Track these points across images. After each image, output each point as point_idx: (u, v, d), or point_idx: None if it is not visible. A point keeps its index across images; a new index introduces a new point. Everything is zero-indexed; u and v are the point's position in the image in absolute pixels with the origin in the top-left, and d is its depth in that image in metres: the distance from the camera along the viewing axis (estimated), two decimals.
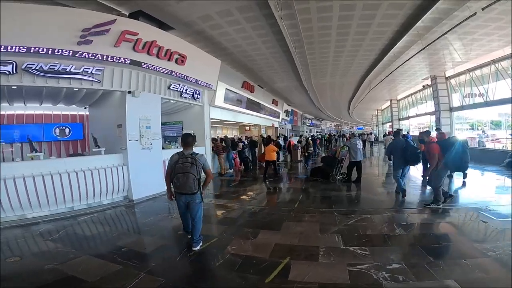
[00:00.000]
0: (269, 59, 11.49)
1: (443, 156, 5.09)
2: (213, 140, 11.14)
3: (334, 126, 52.18)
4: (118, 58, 6.18)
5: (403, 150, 5.81)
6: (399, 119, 23.62)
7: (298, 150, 14.15)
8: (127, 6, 6.82)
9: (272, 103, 18.37)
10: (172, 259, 3.45)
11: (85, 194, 5.96)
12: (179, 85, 8.41)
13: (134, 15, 6.94)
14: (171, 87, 8.12)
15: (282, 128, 24.03)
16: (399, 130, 7.22)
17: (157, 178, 7.35)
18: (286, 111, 22.79)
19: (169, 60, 7.41)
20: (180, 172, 3.42)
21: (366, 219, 4.61)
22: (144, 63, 6.76)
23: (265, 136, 16.51)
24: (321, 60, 11.85)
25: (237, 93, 12.16)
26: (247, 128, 18.25)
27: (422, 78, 16.23)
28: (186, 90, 8.71)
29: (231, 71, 11.82)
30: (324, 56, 11.27)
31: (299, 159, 14.06)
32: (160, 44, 6.98)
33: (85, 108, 8.83)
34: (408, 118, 22.37)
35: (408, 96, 21.34)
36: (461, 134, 15.10)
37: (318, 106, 25.22)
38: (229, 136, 13.75)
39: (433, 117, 17.10)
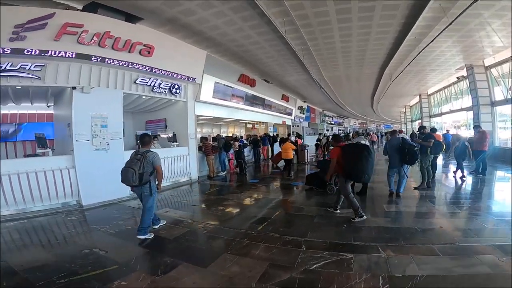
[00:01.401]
0: (266, 48, 10.00)
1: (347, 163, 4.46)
2: (203, 139, 10.00)
3: (359, 124, 48.70)
4: (58, 52, 5.45)
5: (399, 149, 5.61)
6: (430, 116, 20.65)
7: (306, 151, 12.53)
8: (80, 1, 6.12)
9: (282, 99, 16.82)
10: None
11: (30, 196, 5.35)
12: (149, 79, 7.39)
13: (91, 9, 6.11)
14: (137, 81, 7.11)
15: (297, 126, 22.37)
16: (395, 130, 6.88)
17: (116, 182, 6.39)
18: (301, 108, 21.04)
19: (129, 51, 6.49)
20: (124, 167, 3.88)
21: (342, 262, 3.07)
22: (95, 56, 5.95)
23: (272, 135, 15.09)
24: (327, 48, 10.09)
25: (231, 87, 10.84)
26: (249, 126, 16.88)
27: (456, 68, 13.59)
28: (159, 84, 7.68)
29: (223, 63, 10.53)
30: (328, 43, 9.53)
31: (306, 161, 12.45)
32: (115, 35, 6.14)
33: (48, 106, 8.12)
34: (440, 114, 19.44)
35: (440, 90, 18.45)
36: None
37: (337, 102, 23.04)
38: (228, 135, 12.57)
39: (471, 113, 14.41)
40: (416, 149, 5.62)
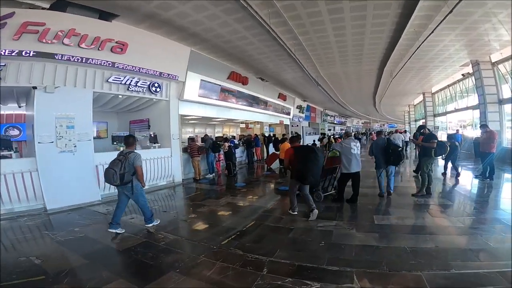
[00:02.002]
0: (255, 43, 9.38)
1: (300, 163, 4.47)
2: (190, 140, 9.48)
3: (362, 124, 47.60)
4: (17, 51, 5.15)
5: (384, 149, 5.62)
6: (435, 115, 19.78)
7: None
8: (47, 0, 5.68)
9: (279, 97, 16.18)
10: None
11: None
12: (124, 77, 6.91)
13: (59, 7, 5.67)
14: (110, 80, 6.65)
15: (297, 125, 21.72)
16: (381, 131, 6.90)
17: (85, 186, 5.96)
18: (300, 107, 20.36)
19: (99, 49, 6.09)
20: (107, 167, 4.03)
21: None
22: (58, 55, 5.57)
23: (268, 135, 14.48)
24: (320, 43, 9.43)
25: (219, 85, 10.26)
26: (242, 125, 16.28)
27: (460, 64, 12.78)
28: (135, 82, 7.21)
29: (211, 60, 9.96)
30: (321, 37, 8.87)
31: None
32: (82, 32, 5.77)
33: (20, 107, 7.68)
34: (445, 113, 18.57)
35: (445, 88, 17.58)
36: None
37: (337, 101, 22.27)
38: (222, 135, 11.99)
39: (477, 112, 13.60)
40: (400, 149, 5.68)
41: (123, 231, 4.25)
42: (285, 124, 18.89)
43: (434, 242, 3.44)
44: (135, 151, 4.26)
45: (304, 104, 21.44)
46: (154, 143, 8.29)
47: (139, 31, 7.03)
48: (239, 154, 12.63)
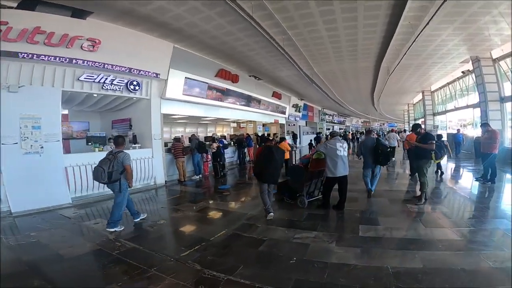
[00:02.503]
0: (243, 39, 8.89)
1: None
2: (175, 140, 9.03)
3: (362, 123, 46.90)
4: None
5: (373, 149, 5.52)
6: (434, 114, 19.19)
7: (293, 152, 11.38)
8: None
9: (273, 96, 15.68)
10: None
11: None
12: (98, 75, 6.51)
13: (27, 6, 5.32)
14: (81, 78, 6.26)
15: (293, 124, 21.23)
16: (370, 130, 6.77)
17: (52, 188, 5.57)
18: (296, 106, 19.83)
19: (67, 47, 5.79)
20: (96, 166, 4.20)
21: None
22: (22, 53, 5.23)
23: (261, 134, 13.98)
24: (312, 38, 8.92)
25: (207, 83, 9.79)
26: (233, 125, 15.79)
27: (460, 61, 12.23)
28: (111, 81, 6.82)
29: (197, 57, 9.46)
30: (312, 31, 8.37)
31: (294, 163, 11.31)
32: (48, 30, 5.43)
33: None
34: (445, 112, 17.99)
35: (444, 86, 17.01)
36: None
37: (335, 99, 21.71)
38: (214, 135, 11.51)
39: (478, 111, 13.05)
40: (389, 150, 5.56)
41: (145, 215, 4.77)
42: (280, 123, 18.40)
43: (422, 260, 2.94)
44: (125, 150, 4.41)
45: (301, 103, 20.92)
46: (134, 144, 7.85)
47: (115, 27, 6.64)
48: (230, 154, 12.18)
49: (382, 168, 6.13)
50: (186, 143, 9.89)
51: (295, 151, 11.47)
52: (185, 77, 8.73)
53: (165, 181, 8.33)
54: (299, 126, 22.33)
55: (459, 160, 11.70)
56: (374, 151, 5.52)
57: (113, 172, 4.10)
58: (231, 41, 9.09)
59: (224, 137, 13.27)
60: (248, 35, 8.47)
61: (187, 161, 9.38)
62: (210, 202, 6.24)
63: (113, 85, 6.85)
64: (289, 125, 21.20)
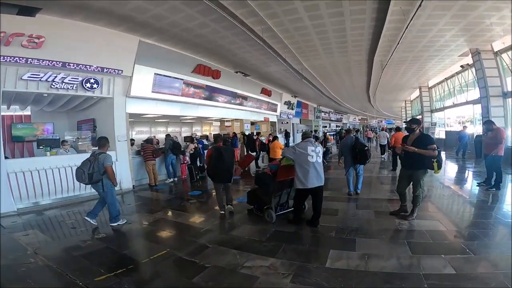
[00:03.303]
0: (220, 32, 8.03)
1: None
2: (145, 141, 8.23)
3: (359, 120, 45.87)
4: None
5: (352, 148, 5.54)
6: (432, 111, 18.26)
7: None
8: None
9: (262, 93, 14.80)
10: None
11: None
12: (45, 73, 5.84)
13: None
14: (25, 77, 5.63)
15: (286, 122, 20.36)
16: (350, 129, 6.98)
17: None
18: (288, 103, 18.93)
19: (5, 45, 5.25)
20: (77, 167, 4.27)
21: None
22: None
23: (248, 134, 13.12)
24: (295, 28, 8.04)
25: (181, 79, 8.93)
26: (216, 124, 14.92)
27: (459, 54, 11.32)
28: (61, 79, 6.13)
29: (170, 52, 8.60)
30: (294, 20, 7.48)
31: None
32: None
33: None
34: (443, 109, 17.09)
35: (443, 81, 16.10)
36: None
37: (330, 96, 20.78)
38: (203, 134, 10.69)
39: (478, 107, 12.18)
40: (366, 149, 5.47)
41: (124, 221, 4.61)
42: (272, 121, 17.54)
43: None
44: (107, 152, 4.46)
45: (294, 100, 20.00)
46: (95, 146, 7.03)
47: (65, 23, 6.01)
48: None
49: (375, 171, 5.49)
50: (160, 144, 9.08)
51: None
52: (155, 73, 7.92)
53: (133, 186, 7.56)
54: (293, 124, 21.43)
55: (459, 160, 10.81)
56: (353, 150, 5.50)
57: (93, 173, 4.15)
58: (208, 34, 8.25)
59: (206, 137, 12.43)
60: (225, 27, 7.62)
61: (161, 163, 8.59)
62: (171, 210, 5.47)
63: (64, 83, 6.20)
64: (282, 123, 20.33)
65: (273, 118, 17.52)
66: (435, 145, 3.85)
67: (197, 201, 6.17)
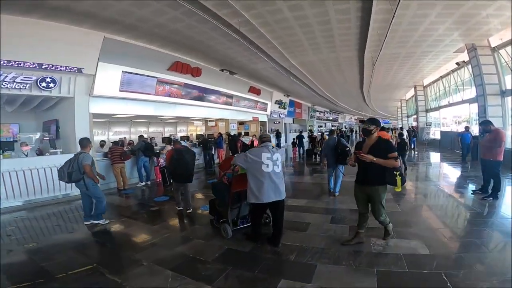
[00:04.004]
0: (197, 26, 7.42)
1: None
2: (114, 143, 7.61)
3: (356, 119, 45.10)
4: None
5: (334, 149, 5.63)
6: (427, 110, 17.61)
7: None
8: None
9: (250, 91, 14.14)
10: None
11: None
12: None
13: None
14: None
15: (278, 122, 19.71)
16: (333, 130, 6.95)
17: None
18: (279, 102, 18.27)
19: None
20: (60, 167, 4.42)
21: None
22: None
23: (233, 134, 12.46)
24: (276, 21, 7.39)
25: (155, 77, 8.30)
26: (198, 123, 14.28)
27: (454, 50, 10.66)
28: (12, 78, 5.78)
29: (143, 49, 8.05)
30: (273, 12, 6.84)
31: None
32: None
33: None
34: (438, 108, 16.43)
35: (438, 80, 15.44)
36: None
37: (323, 95, 20.09)
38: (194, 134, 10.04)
39: (474, 106, 11.54)
40: (347, 149, 5.52)
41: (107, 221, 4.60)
42: (262, 121, 16.89)
43: None
44: (87, 152, 4.47)
45: (286, 99, 19.35)
46: (55, 148, 6.44)
47: (20, 21, 5.69)
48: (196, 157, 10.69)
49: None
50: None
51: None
52: (123, 71, 7.32)
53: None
54: (285, 123, 20.78)
55: (453, 163, 10.14)
56: (335, 151, 5.58)
57: (73, 172, 4.24)
58: (184, 30, 7.69)
59: (187, 137, 11.78)
60: (198, 20, 7.00)
61: (133, 166, 7.97)
62: (125, 219, 4.88)
63: (15, 83, 5.78)
64: (274, 122, 19.70)
65: (264, 118, 16.88)
66: (396, 153, 3.01)
67: (159, 208, 5.55)
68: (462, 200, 5.22)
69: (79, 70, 6.58)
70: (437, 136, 16.45)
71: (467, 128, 10.51)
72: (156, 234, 4.10)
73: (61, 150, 6.57)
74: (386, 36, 7.73)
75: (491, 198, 4.89)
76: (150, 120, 12.29)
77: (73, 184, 4.54)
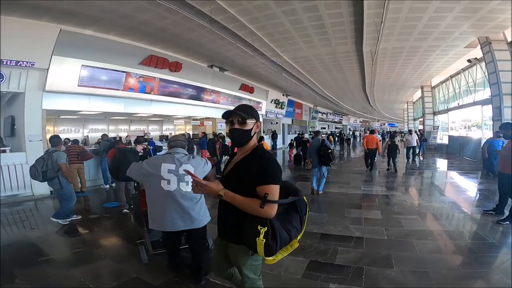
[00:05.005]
0: (169, 17, 6.65)
1: None
2: (73, 142, 6.83)
3: (360, 122, 43.48)
4: None
5: (318, 150, 5.79)
6: (434, 113, 16.30)
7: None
8: None
9: (241, 89, 13.21)
10: None
11: None
12: None
13: None
14: None
15: (276, 123, 18.72)
16: (318, 131, 7.01)
17: None
18: (276, 101, 17.27)
19: None
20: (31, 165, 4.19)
21: None
22: None
23: (218, 133, 11.54)
24: (256, 7, 6.47)
25: (124, 72, 7.51)
26: (178, 122, 13.39)
27: (465, 45, 9.48)
28: None
29: (112, 43, 7.40)
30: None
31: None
32: None
33: None
34: (447, 111, 15.11)
35: (447, 80, 14.17)
36: None
37: (323, 95, 18.94)
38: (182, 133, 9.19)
39: (488, 109, 10.32)
40: (329, 151, 5.66)
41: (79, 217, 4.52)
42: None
43: None
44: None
45: (284, 99, 18.33)
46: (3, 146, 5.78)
47: None
48: None
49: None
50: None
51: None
52: (82, 65, 6.67)
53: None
54: (283, 124, 19.75)
55: (463, 172, 8.90)
56: (318, 152, 5.74)
57: (47, 171, 4.12)
58: (154, 21, 7.02)
59: (166, 137, 10.93)
60: (168, 10, 6.18)
61: (98, 167, 7.17)
62: (44, 227, 4.07)
63: None
64: (271, 123, 18.70)
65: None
66: (276, 188, 1.38)
67: (99, 217, 4.77)
68: (469, 224, 4.13)
69: (31, 64, 6.02)
70: (445, 140, 15.16)
71: (497, 133, 7.81)
72: (64, 247, 3.49)
73: (10, 148, 5.91)
74: (382, 23, 6.66)
75: (508, 222, 3.81)
76: (131, 118, 11.50)
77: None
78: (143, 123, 12.38)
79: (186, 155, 2.44)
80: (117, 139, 6.63)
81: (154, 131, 12.57)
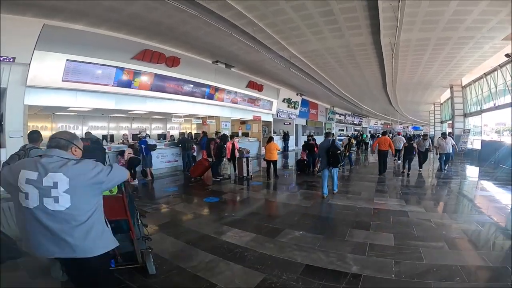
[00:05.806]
0: (159, 8, 6.09)
1: None
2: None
3: (382, 124, 41.08)
4: None
5: (327, 151, 5.64)
6: (465, 115, 14.61)
7: (247, 160, 8.15)
8: None
9: (248, 86, 12.50)
10: None
11: None
12: None
13: None
14: None
15: (289, 123, 17.87)
16: (329, 132, 6.56)
17: None
18: (288, 100, 16.38)
19: None
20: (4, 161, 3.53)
21: None
22: None
23: (222, 134, 10.92)
24: (265, 2, 5.78)
25: (114, 67, 7.10)
26: (176, 120, 12.80)
27: (502, 37, 8.10)
28: None
29: (97, 36, 7.05)
30: None
31: (247, 175, 8.03)
32: None
33: None
34: (480, 112, 13.44)
35: (480, 78, 12.56)
36: None
37: (339, 94, 17.70)
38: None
39: None
40: (339, 152, 5.55)
41: None
42: (265, 121, 15.17)
43: None
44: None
45: (298, 98, 17.38)
46: None
47: None
48: (172, 158, 9.33)
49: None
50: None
51: (247, 158, 8.17)
52: (67, 60, 6.43)
53: None
54: (297, 125, 18.80)
55: (504, 184, 7.52)
56: (327, 153, 5.58)
57: None
58: (145, 14, 6.66)
59: (164, 136, 10.45)
60: (161, 2, 5.69)
61: None
62: None
63: None
64: (284, 123, 17.87)
65: (268, 117, 15.12)
66: None
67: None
68: (500, 256, 3.11)
69: (11, 59, 5.88)
70: (475, 145, 13.52)
71: None
72: None
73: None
74: (400, 8, 5.65)
75: None
76: (133, 116, 11.16)
77: None
78: (146, 121, 12.04)
79: (64, 159, 1.65)
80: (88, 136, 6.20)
81: (157, 130, 12.18)
